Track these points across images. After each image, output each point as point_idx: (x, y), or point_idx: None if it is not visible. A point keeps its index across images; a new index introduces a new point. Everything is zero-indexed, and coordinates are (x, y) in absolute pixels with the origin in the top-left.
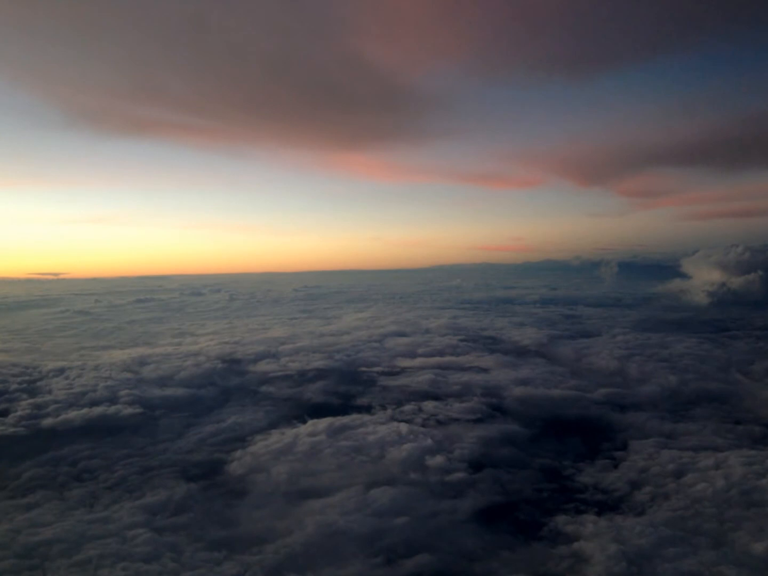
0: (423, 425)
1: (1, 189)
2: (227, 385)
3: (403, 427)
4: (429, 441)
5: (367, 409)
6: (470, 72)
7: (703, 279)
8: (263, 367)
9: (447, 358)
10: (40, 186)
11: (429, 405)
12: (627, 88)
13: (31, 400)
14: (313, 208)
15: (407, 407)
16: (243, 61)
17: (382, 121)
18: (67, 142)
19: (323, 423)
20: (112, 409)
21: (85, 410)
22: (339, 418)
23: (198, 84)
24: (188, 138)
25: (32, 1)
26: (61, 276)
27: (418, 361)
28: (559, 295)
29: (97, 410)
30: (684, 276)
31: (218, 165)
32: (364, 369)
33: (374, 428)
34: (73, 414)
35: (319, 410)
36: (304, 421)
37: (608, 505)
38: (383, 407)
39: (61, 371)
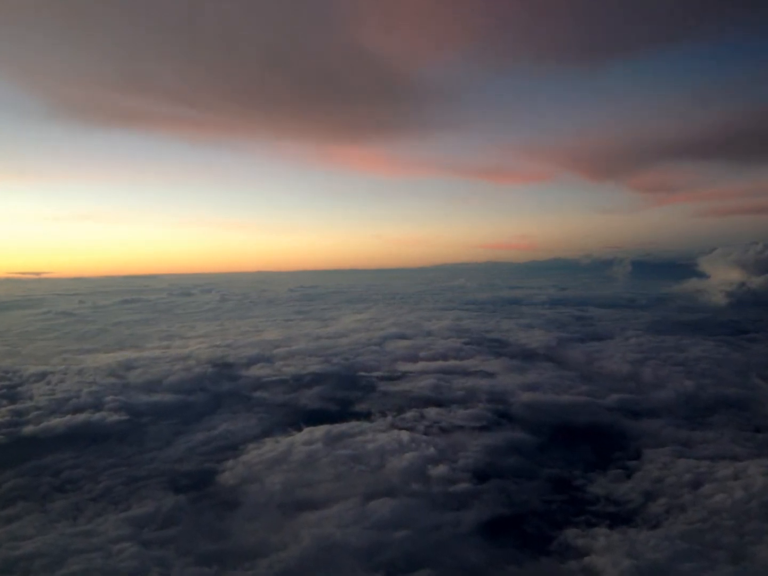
0: (425, 433)
1: None
2: (218, 390)
3: (404, 435)
4: (431, 449)
5: (366, 416)
6: (475, 61)
7: (721, 278)
8: (256, 371)
9: (450, 362)
10: (22, 181)
11: (431, 411)
12: (640, 78)
13: (11, 407)
14: (309, 204)
15: (408, 414)
16: (238, 51)
17: (383, 113)
18: (50, 135)
19: (320, 431)
20: (97, 416)
21: (68, 417)
22: (336, 425)
23: (190, 74)
24: (179, 130)
25: None
26: (44, 275)
27: (419, 365)
28: (568, 295)
29: (81, 417)
30: (701, 275)
31: (210, 159)
32: (362, 373)
33: (374, 436)
34: (55, 421)
35: (315, 417)
36: (300, 429)
37: (621, 517)
38: (383, 414)
39: (42, 376)
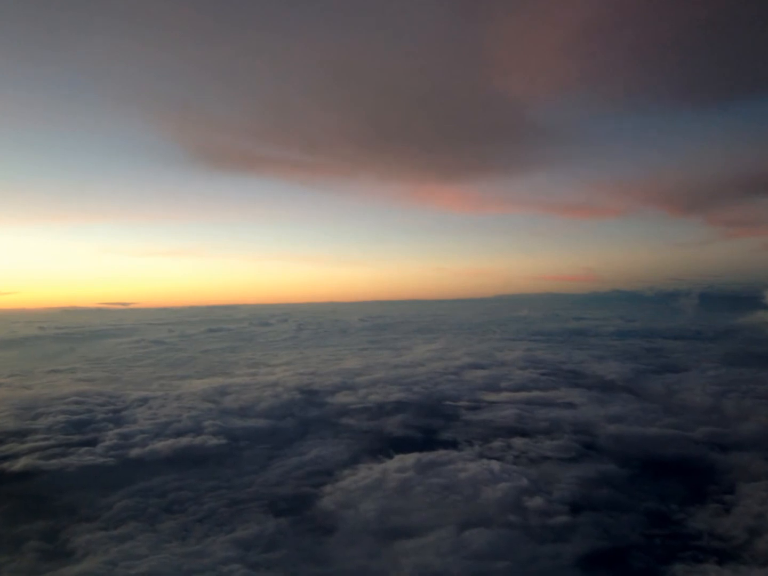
0: (514, 463)
1: (71, 223)
2: (306, 416)
3: (495, 465)
4: (524, 480)
5: (453, 445)
6: (580, 104)
7: None
8: (341, 398)
9: (532, 393)
10: (122, 220)
11: (518, 441)
12: (735, 115)
13: (117, 430)
14: (379, 239)
15: (495, 444)
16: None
17: (480, 153)
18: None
19: (411, 458)
20: (198, 439)
21: (171, 441)
22: (426, 453)
23: (323, 123)
24: (281, 173)
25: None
26: (131, 306)
27: (503, 395)
28: (636, 327)
29: (184, 441)
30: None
31: (295, 197)
32: (446, 402)
33: (464, 465)
34: (159, 444)
35: (401, 444)
36: (389, 456)
37: (728, 553)
38: (469, 443)
39: (144, 401)
